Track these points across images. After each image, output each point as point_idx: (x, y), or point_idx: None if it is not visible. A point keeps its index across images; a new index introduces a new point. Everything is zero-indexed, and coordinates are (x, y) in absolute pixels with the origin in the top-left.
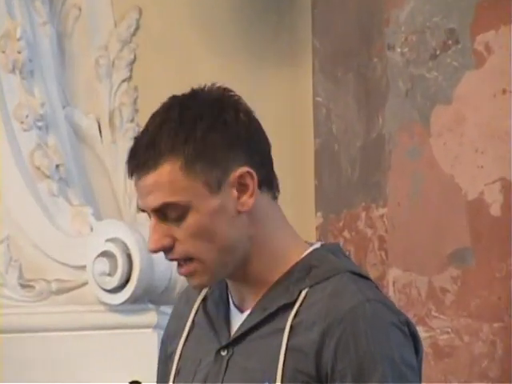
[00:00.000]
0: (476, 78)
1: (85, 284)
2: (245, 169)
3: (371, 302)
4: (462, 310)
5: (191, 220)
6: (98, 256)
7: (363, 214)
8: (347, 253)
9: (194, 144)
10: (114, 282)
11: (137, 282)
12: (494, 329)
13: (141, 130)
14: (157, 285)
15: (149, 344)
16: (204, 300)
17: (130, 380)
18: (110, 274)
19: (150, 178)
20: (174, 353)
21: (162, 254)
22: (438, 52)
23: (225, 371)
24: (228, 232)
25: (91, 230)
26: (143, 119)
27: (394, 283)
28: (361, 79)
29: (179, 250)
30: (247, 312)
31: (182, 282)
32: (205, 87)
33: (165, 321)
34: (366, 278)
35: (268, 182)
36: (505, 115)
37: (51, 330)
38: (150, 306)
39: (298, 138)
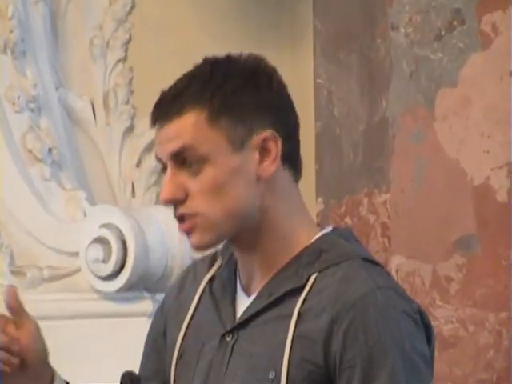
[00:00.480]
0: (482, 59)
1: (78, 271)
2: (270, 132)
3: (382, 289)
4: (467, 299)
5: (208, 173)
6: (92, 242)
7: (365, 200)
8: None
9: (222, 97)
10: (108, 268)
11: (132, 269)
12: (500, 318)
13: (136, 111)
14: (152, 272)
15: (144, 333)
16: (211, 280)
17: (124, 370)
18: (104, 261)
19: (174, 125)
20: (168, 331)
21: (157, 239)
22: (443, 33)
23: (229, 357)
24: (242, 195)
25: (84, 215)
26: (138, 101)
27: (397, 271)
28: (364, 61)
29: (190, 204)
30: (253, 296)
31: (178, 270)
32: (242, 55)
33: None
34: (377, 264)
35: (292, 160)
36: (511, 98)
37: (43, 318)
38: (146, 293)
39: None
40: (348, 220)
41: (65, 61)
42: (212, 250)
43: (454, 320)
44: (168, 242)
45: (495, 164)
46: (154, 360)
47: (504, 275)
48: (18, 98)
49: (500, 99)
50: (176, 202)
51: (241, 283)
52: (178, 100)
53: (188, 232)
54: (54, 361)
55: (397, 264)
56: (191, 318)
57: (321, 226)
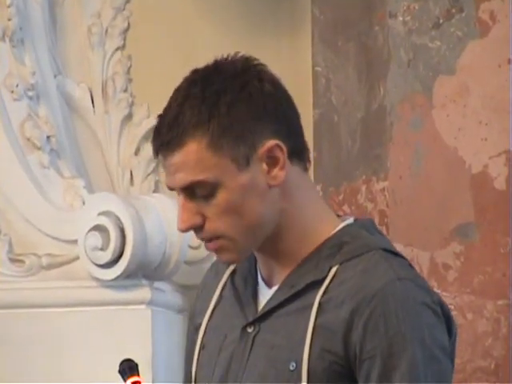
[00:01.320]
0: (480, 47)
1: (76, 259)
2: (273, 142)
3: (402, 280)
4: (465, 286)
5: (221, 197)
6: (90, 230)
7: (363, 188)
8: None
9: (219, 120)
10: (107, 256)
11: (130, 256)
12: (498, 306)
13: (134, 99)
14: (151, 260)
15: (142, 321)
16: (233, 273)
17: (123, 358)
18: (102, 249)
19: (176, 157)
20: (199, 326)
21: (156, 227)
22: (441, 21)
23: (250, 348)
24: (259, 207)
25: (83, 203)
26: (137, 89)
27: None
28: (362, 49)
29: (209, 228)
30: (275, 288)
31: (176, 257)
32: (228, 58)
33: (159, 297)
34: (399, 255)
35: (298, 153)
36: (509, 86)
37: (41, 305)
38: (144, 281)
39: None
40: (346, 208)
41: (63, 49)
42: None
43: (452, 308)
44: (166, 230)
45: (493, 152)
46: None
47: (502, 263)
48: (17, 85)
49: (498, 87)
50: (194, 228)
51: (261, 275)
52: (176, 129)
53: (215, 251)
54: (53, 348)
55: None
56: (213, 311)
57: (341, 217)
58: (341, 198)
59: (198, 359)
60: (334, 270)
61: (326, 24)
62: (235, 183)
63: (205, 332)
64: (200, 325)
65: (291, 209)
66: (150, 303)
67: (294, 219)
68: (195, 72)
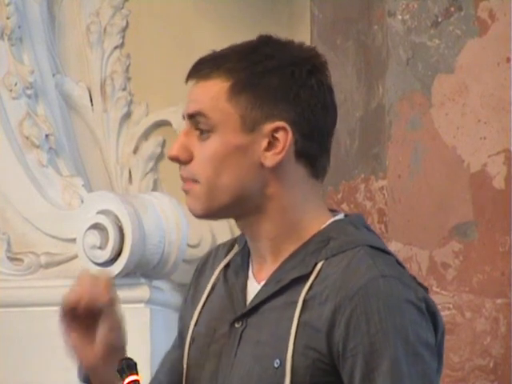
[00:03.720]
0: (479, 46)
1: (75, 257)
2: (282, 123)
3: (386, 277)
4: (463, 285)
5: (213, 142)
6: (89, 228)
7: (362, 186)
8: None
9: (251, 76)
10: (105, 255)
11: (128, 255)
12: (497, 305)
13: (133, 98)
14: (149, 258)
15: (141, 319)
16: (226, 267)
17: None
18: (100, 247)
19: (199, 88)
20: (190, 317)
21: (154, 226)
22: (440, 19)
23: (238, 344)
24: (240, 174)
25: (82, 201)
26: (135, 87)
27: None
28: (360, 47)
29: (191, 168)
30: (262, 283)
31: (175, 256)
32: (299, 42)
33: (158, 295)
34: (386, 251)
35: (310, 159)
36: (508, 85)
37: (40, 304)
38: (142, 280)
39: None
40: (345, 206)
41: (62, 47)
42: (234, 237)
43: (451, 306)
44: (165, 229)
45: (492, 151)
46: (177, 350)
47: (501, 262)
48: (15, 84)
49: (497, 86)
50: (179, 162)
51: (252, 270)
52: (213, 62)
53: (186, 192)
54: (52, 347)
55: (393, 250)
56: (204, 304)
57: (334, 213)
58: (339, 196)
59: (188, 352)
60: (319, 265)
61: (325, 23)
62: (231, 139)
63: (195, 325)
64: (189, 318)
65: (280, 197)
66: (149, 302)
67: (282, 208)
68: (262, 35)
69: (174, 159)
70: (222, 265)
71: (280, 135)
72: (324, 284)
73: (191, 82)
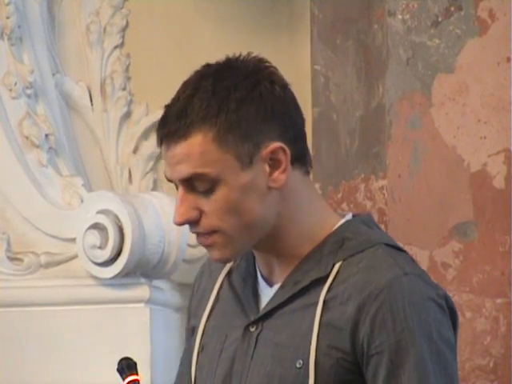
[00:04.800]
0: (479, 45)
1: (75, 257)
2: (278, 144)
3: (408, 275)
4: (463, 285)
5: (220, 193)
6: (89, 228)
7: (362, 186)
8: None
9: (227, 115)
10: (105, 255)
11: (128, 255)
12: (497, 305)
13: (133, 98)
14: (149, 258)
15: (141, 319)
16: (229, 273)
17: (122, 356)
18: (100, 247)
19: (180, 148)
20: (196, 328)
21: (154, 226)
22: (440, 19)
23: (254, 348)
24: (257, 208)
25: (81, 201)
26: (135, 87)
27: None
28: (360, 47)
29: (205, 223)
30: (277, 286)
31: (175, 256)
32: (240, 57)
33: (158, 295)
34: (401, 249)
35: (301, 157)
36: (508, 85)
37: (40, 304)
38: (142, 279)
39: None
40: (345, 206)
41: (62, 47)
42: None
43: None
44: (165, 228)
45: (492, 150)
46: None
47: (501, 261)
48: (15, 84)
49: (497, 85)
50: (190, 223)
51: (261, 274)
52: (183, 120)
53: (208, 247)
54: (51, 347)
55: None
56: (210, 312)
57: (341, 214)
58: (339, 196)
59: (196, 361)
60: (337, 266)
61: (325, 22)
62: (236, 181)
63: (203, 333)
64: (195, 327)
65: (288, 211)
66: (149, 301)
67: (292, 221)
68: (207, 66)
69: (185, 223)
70: (223, 272)
71: (279, 155)
72: (344, 285)
73: (165, 146)
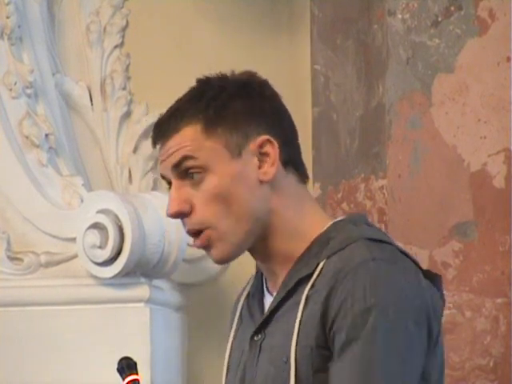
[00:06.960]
0: (479, 45)
1: (75, 257)
2: (265, 137)
3: (376, 260)
4: (463, 284)
5: (209, 182)
6: (89, 228)
7: (362, 186)
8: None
9: (216, 109)
10: (105, 254)
11: (128, 254)
12: (497, 304)
13: (133, 97)
14: (149, 258)
15: (141, 319)
16: (248, 295)
17: (121, 356)
18: (100, 247)
19: (173, 141)
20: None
21: (154, 225)
22: (440, 19)
23: (258, 355)
24: (248, 200)
25: (81, 201)
26: (135, 87)
27: None
28: (360, 47)
29: (196, 216)
30: (275, 293)
31: (175, 255)
32: (234, 72)
33: (157, 295)
34: (388, 242)
35: (294, 164)
36: (508, 84)
37: (40, 304)
38: (142, 279)
39: (296, 107)
40: (345, 206)
41: (62, 47)
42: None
43: (451, 306)
44: (165, 228)
45: (492, 150)
46: None
47: (501, 261)
48: (15, 83)
49: (497, 85)
50: (182, 216)
51: (267, 286)
52: (174, 118)
53: (205, 248)
54: (51, 346)
55: None
56: (235, 334)
57: (335, 216)
58: (339, 196)
59: (225, 382)
60: (321, 264)
61: (325, 22)
62: (225, 170)
63: (229, 355)
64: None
65: (281, 211)
66: (149, 301)
67: (284, 221)
68: (199, 79)
69: (177, 215)
70: (244, 294)
71: (267, 148)
72: (324, 279)
73: (160, 145)
